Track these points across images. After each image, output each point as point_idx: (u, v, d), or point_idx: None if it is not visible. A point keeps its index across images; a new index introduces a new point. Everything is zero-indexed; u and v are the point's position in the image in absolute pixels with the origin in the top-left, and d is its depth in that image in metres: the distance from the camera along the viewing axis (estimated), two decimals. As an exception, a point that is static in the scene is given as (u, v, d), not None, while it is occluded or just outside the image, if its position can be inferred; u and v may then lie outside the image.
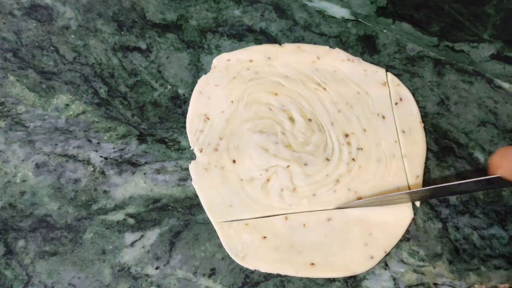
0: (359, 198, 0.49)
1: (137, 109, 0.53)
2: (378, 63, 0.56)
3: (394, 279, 0.47)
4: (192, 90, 0.54)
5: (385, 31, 0.58)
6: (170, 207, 0.49)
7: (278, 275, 0.46)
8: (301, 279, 0.46)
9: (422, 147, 0.52)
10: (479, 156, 0.52)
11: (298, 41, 0.57)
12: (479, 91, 0.55)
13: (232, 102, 0.53)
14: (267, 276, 0.47)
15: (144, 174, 0.50)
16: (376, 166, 0.50)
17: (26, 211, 0.49)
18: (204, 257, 0.47)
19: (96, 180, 0.50)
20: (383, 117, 0.52)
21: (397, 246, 0.48)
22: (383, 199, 0.47)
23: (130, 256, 0.47)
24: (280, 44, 0.56)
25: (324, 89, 0.54)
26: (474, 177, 0.43)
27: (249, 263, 0.46)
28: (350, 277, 0.47)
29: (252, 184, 0.49)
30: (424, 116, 0.54)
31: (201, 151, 0.51)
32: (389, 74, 0.55)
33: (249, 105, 0.53)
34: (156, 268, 0.47)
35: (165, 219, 0.48)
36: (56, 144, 0.51)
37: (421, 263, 0.47)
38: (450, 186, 0.44)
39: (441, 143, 0.53)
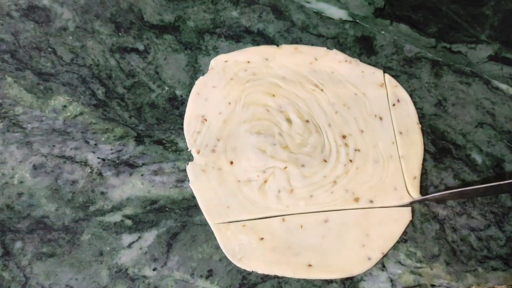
0: (356, 200, 0.49)
1: (135, 111, 0.53)
2: (375, 64, 0.56)
3: (391, 280, 0.47)
4: (189, 92, 0.54)
5: (382, 32, 0.58)
6: (167, 209, 0.49)
7: (276, 277, 0.47)
8: (298, 280, 0.47)
9: (419, 148, 0.52)
10: (477, 157, 0.52)
11: (296, 42, 0.57)
12: (476, 92, 0.55)
13: (229, 103, 0.53)
14: (264, 278, 0.47)
15: (142, 175, 0.50)
16: (374, 167, 0.50)
17: (23, 213, 0.49)
18: (201, 259, 0.47)
19: (93, 181, 0.50)
20: (381, 118, 0.53)
21: (394, 247, 0.48)
22: (465, 191, 0.47)
23: (127, 257, 0.47)
24: (278, 45, 0.56)
25: (322, 90, 0.54)
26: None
27: (247, 265, 0.46)
28: (347, 279, 0.47)
29: (249, 186, 0.49)
30: (422, 117, 0.54)
31: (198, 153, 0.51)
32: (386, 75, 0.55)
33: (247, 107, 0.53)
34: (154, 270, 0.47)
35: (163, 220, 0.48)
36: (53, 146, 0.51)
37: (418, 265, 0.47)
38: None
39: (438, 144, 0.53)
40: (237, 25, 0.58)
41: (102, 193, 0.49)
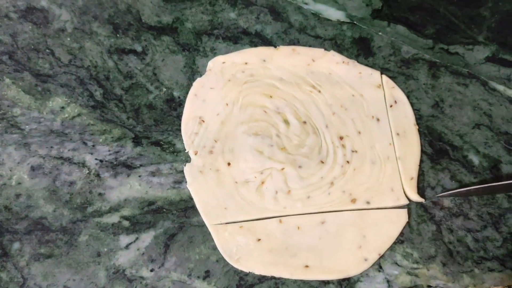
0: (353, 201, 0.49)
1: (132, 112, 0.53)
2: (373, 66, 0.56)
3: (388, 281, 0.47)
4: (187, 93, 0.54)
5: (380, 33, 0.58)
6: (165, 210, 0.49)
7: (273, 278, 0.47)
8: (295, 281, 0.47)
9: (416, 149, 0.52)
10: (474, 158, 0.52)
11: (293, 44, 0.57)
12: (473, 93, 0.55)
13: (227, 104, 0.53)
14: (262, 279, 0.47)
15: (139, 176, 0.50)
16: (371, 168, 0.50)
17: (21, 214, 0.49)
18: (198, 260, 0.47)
19: (91, 182, 0.50)
20: (378, 119, 0.53)
21: (391, 248, 0.48)
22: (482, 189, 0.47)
23: (125, 258, 0.47)
24: (275, 47, 0.56)
25: (319, 91, 0.54)
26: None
27: (244, 266, 0.47)
28: (344, 280, 0.47)
29: (246, 187, 0.49)
30: (419, 118, 0.54)
31: (196, 154, 0.51)
32: (384, 76, 0.55)
33: (244, 108, 0.53)
34: (151, 271, 0.47)
35: (160, 221, 0.49)
36: (51, 147, 0.51)
37: (415, 265, 0.48)
38: None
39: (435, 146, 0.53)
40: (235, 27, 0.58)
41: (99, 194, 0.50)
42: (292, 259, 0.47)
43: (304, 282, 0.47)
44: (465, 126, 0.53)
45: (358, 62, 0.56)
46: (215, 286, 0.46)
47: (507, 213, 0.50)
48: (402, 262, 0.48)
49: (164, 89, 0.55)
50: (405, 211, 0.49)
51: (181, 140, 0.52)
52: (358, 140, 0.52)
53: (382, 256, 0.47)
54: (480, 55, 0.57)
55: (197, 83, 0.54)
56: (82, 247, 0.48)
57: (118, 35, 0.57)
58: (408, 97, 0.54)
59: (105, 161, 0.51)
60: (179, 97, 0.54)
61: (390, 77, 0.55)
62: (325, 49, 0.56)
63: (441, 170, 0.51)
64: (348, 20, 0.58)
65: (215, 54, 0.56)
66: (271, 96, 0.53)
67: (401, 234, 0.49)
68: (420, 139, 0.52)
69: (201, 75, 0.55)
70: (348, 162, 0.51)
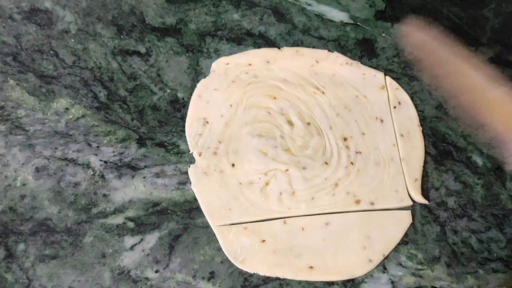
0: (358, 202, 0.49)
1: (137, 113, 0.54)
2: (376, 67, 0.56)
3: (392, 282, 0.47)
4: (191, 94, 0.54)
5: (383, 34, 0.58)
6: (169, 211, 0.49)
7: (277, 279, 0.47)
8: (300, 282, 0.47)
9: (420, 150, 0.52)
10: (478, 159, 0.52)
11: (297, 45, 0.57)
12: (477, 94, 0.55)
13: (231, 106, 0.53)
14: (266, 280, 0.47)
15: (144, 177, 0.50)
16: (375, 169, 0.51)
17: (26, 215, 0.49)
18: (203, 261, 0.47)
19: (95, 183, 0.50)
20: (382, 120, 0.53)
21: (396, 249, 0.48)
22: None
23: (129, 259, 0.47)
24: (279, 48, 0.57)
25: (323, 93, 0.54)
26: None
27: (248, 267, 0.47)
28: (348, 280, 0.47)
29: (251, 188, 0.49)
30: (423, 119, 0.54)
31: (200, 155, 0.51)
32: (387, 77, 0.55)
33: (248, 109, 0.53)
34: (156, 272, 0.47)
35: (165, 222, 0.49)
36: (56, 148, 0.51)
37: (419, 266, 0.48)
38: None
39: (439, 147, 0.53)
40: (239, 28, 0.58)
41: (104, 195, 0.50)
42: (296, 260, 0.47)
43: (308, 283, 0.47)
44: (469, 127, 0.53)
45: (361, 63, 0.56)
46: (219, 287, 0.46)
47: (511, 215, 0.50)
48: (407, 263, 0.48)
49: (168, 91, 0.55)
50: (409, 212, 0.49)
51: (185, 141, 0.52)
52: (362, 142, 0.52)
53: (386, 257, 0.48)
54: (484, 57, 0.57)
55: (201, 85, 0.54)
56: (87, 248, 0.48)
57: (122, 36, 0.57)
58: (412, 98, 0.54)
59: (110, 162, 0.51)
60: (183, 98, 0.54)
61: (394, 79, 0.55)
62: (329, 50, 0.56)
63: (445, 171, 0.52)
64: (352, 21, 0.58)
65: (218, 56, 0.56)
66: (275, 98, 0.53)
67: (406, 235, 0.49)
68: (424, 140, 0.53)
69: (205, 77, 0.55)
70: (352, 163, 0.51)
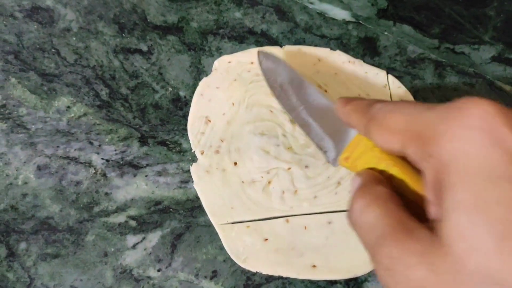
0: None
1: (138, 111, 0.53)
2: (379, 65, 0.56)
3: (395, 281, 0.47)
4: (193, 92, 0.54)
5: (386, 33, 0.58)
6: (171, 210, 0.49)
7: (280, 277, 0.47)
8: (302, 281, 0.47)
9: (423, 149, 0.52)
10: (480, 158, 0.52)
11: (299, 43, 0.57)
12: (480, 93, 0.55)
13: (233, 104, 0.53)
14: (269, 278, 0.47)
15: (146, 176, 0.50)
16: (377, 168, 0.50)
17: (27, 214, 0.49)
18: (205, 260, 0.47)
19: (97, 182, 0.50)
20: (384, 119, 0.53)
21: (398, 248, 0.48)
22: None
23: (132, 258, 0.47)
24: (281, 46, 0.56)
25: (325, 91, 0.54)
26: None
27: (251, 266, 0.47)
28: (351, 279, 0.47)
29: (253, 187, 0.49)
30: (425, 118, 0.54)
31: (202, 153, 0.51)
32: (390, 76, 0.55)
33: (250, 107, 0.53)
34: (158, 271, 0.47)
35: (167, 221, 0.49)
36: (57, 147, 0.51)
37: (422, 265, 0.48)
38: None
39: (442, 145, 0.53)
40: (241, 26, 0.58)
41: (106, 194, 0.50)
42: (299, 259, 0.47)
43: (311, 281, 0.47)
44: (472, 126, 0.53)
45: (364, 61, 0.56)
46: (222, 286, 0.46)
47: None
48: (409, 262, 0.48)
49: (170, 89, 0.55)
50: (412, 210, 0.49)
51: (187, 139, 0.52)
52: (364, 140, 0.51)
53: (389, 256, 0.47)
54: (486, 55, 0.57)
55: (203, 83, 0.54)
56: (89, 247, 0.47)
57: (123, 34, 0.57)
58: (414, 96, 0.54)
59: (112, 160, 0.51)
60: (185, 97, 0.54)
61: (396, 77, 0.55)
62: (331, 49, 0.56)
63: (448, 170, 0.51)
64: (354, 20, 0.58)
65: (220, 54, 0.56)
66: (277, 96, 0.53)
67: (408, 234, 0.48)
68: (427, 138, 0.52)
69: (207, 75, 0.55)
70: (354, 161, 0.50)
